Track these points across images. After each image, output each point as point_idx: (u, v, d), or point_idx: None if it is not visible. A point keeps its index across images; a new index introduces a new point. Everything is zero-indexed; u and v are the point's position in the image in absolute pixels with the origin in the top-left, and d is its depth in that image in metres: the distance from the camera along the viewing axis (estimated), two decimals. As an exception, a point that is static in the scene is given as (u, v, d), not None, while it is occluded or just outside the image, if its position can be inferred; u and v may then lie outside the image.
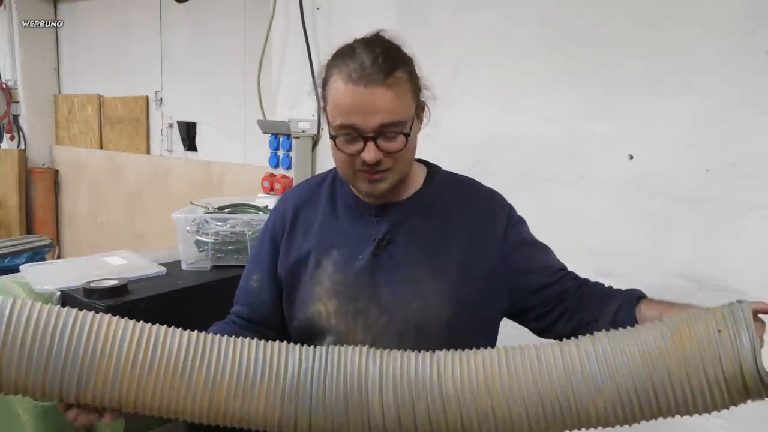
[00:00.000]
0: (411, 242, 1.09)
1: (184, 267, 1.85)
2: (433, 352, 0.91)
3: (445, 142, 1.99)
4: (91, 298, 1.51)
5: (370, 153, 0.99)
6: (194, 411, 0.86)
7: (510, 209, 1.17)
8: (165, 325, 0.89)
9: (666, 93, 1.57)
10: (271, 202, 2.08)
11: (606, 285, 1.13)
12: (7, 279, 1.66)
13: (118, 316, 0.88)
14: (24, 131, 5.03)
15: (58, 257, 4.28)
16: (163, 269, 1.78)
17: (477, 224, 1.12)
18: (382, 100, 0.97)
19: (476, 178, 1.21)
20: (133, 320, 0.88)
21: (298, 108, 2.50)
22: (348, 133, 1.00)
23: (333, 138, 1.03)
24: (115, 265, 1.80)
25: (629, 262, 1.66)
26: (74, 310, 0.86)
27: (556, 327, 1.10)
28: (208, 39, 3.69)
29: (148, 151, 4.27)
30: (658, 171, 1.60)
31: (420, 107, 1.09)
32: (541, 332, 1.14)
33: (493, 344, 1.19)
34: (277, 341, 0.92)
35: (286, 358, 0.88)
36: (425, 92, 1.10)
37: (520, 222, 1.17)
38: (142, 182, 4.26)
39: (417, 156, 1.22)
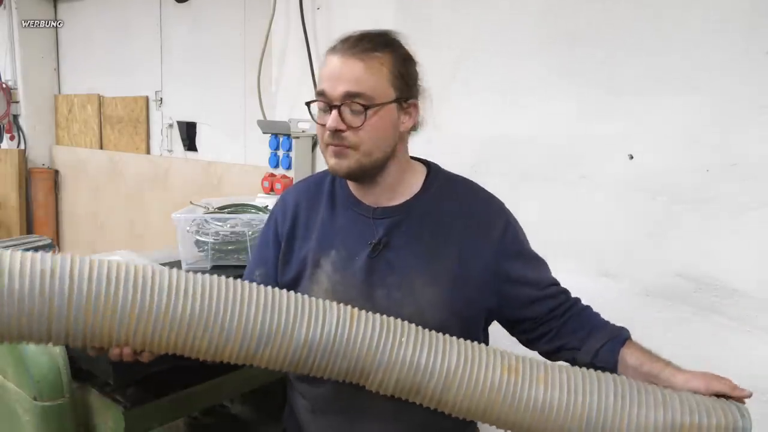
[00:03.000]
0: (406, 246, 1.10)
1: (184, 267, 1.84)
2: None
3: (445, 142, 1.99)
4: (91, 298, 1.51)
5: (331, 120, 1.01)
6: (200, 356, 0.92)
7: (508, 217, 1.16)
8: (169, 277, 0.89)
9: (666, 93, 1.57)
10: (271, 202, 2.07)
11: (596, 312, 1.15)
12: (7, 279, 1.65)
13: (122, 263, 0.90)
14: (24, 131, 5.03)
15: (58, 257, 4.27)
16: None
17: (473, 230, 1.11)
18: (351, 70, 1.01)
19: (477, 178, 1.21)
20: (134, 272, 0.88)
21: (298, 108, 2.50)
22: (321, 102, 1.04)
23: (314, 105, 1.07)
24: (114, 265, 1.80)
25: (629, 262, 1.67)
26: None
27: (539, 344, 1.15)
28: (208, 39, 3.69)
29: (148, 151, 4.27)
30: (658, 171, 1.60)
31: (410, 103, 1.09)
32: (525, 344, 1.18)
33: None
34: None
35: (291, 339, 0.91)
36: (421, 94, 1.11)
37: (517, 231, 1.16)
38: (142, 182, 4.26)
39: (417, 156, 1.22)
